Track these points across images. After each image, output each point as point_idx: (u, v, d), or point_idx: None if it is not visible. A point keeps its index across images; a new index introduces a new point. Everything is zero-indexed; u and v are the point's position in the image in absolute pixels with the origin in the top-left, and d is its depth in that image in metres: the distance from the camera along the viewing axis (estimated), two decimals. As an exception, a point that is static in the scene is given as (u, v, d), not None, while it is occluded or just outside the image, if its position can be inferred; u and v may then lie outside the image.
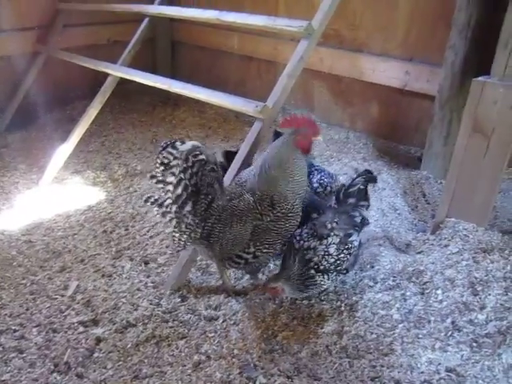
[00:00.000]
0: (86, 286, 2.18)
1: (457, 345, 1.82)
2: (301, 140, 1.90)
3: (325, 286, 1.97)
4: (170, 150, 1.75)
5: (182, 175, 1.73)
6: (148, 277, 2.23)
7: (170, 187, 1.76)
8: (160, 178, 1.79)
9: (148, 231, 2.60)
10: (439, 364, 1.74)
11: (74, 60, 3.57)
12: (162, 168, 1.77)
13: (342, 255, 1.94)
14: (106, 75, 3.16)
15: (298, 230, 1.97)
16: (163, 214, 1.79)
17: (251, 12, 4.21)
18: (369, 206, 2.15)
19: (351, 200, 2.08)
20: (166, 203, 1.78)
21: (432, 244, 2.45)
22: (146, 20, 3.26)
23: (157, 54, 5.16)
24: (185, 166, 1.73)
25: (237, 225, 1.88)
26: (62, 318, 2.00)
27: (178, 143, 1.76)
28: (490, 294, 2.06)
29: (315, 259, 1.89)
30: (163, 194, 1.80)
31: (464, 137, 2.38)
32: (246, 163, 2.11)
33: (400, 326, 1.91)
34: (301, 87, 4.11)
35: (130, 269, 2.29)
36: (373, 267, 2.28)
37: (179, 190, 1.74)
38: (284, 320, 1.98)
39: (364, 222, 2.07)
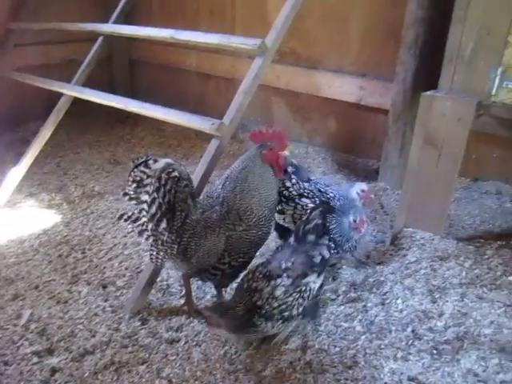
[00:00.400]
0: (40, 314, 2.08)
1: (418, 353, 1.84)
2: (267, 154, 1.91)
3: (268, 333, 1.81)
4: (142, 168, 1.75)
5: (155, 194, 1.73)
6: (106, 301, 2.16)
7: (145, 206, 1.76)
8: (133, 196, 1.79)
9: (106, 253, 2.52)
10: (401, 373, 1.75)
11: (26, 80, 3.47)
12: (134, 185, 1.77)
13: (291, 299, 1.75)
14: (60, 95, 3.08)
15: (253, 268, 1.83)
16: (140, 233, 1.79)
17: (208, 30, 4.29)
18: (330, 243, 1.97)
19: (310, 237, 1.86)
20: (141, 220, 1.77)
21: (391, 254, 2.50)
22: (101, 39, 3.22)
23: (114, 73, 5.11)
24: (158, 184, 1.73)
25: (211, 236, 1.88)
26: (14, 349, 1.90)
27: (150, 161, 1.76)
28: (447, 301, 2.11)
29: (259, 302, 1.73)
30: (137, 211, 1.79)
31: (416, 149, 2.46)
32: (205, 181, 2.09)
33: (362, 337, 1.92)
34: (260, 104, 4.15)
35: (87, 293, 2.21)
36: (334, 280, 2.30)
37: (153, 209, 1.74)
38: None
39: (325, 263, 1.87)
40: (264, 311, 1.73)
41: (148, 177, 1.74)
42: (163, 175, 1.74)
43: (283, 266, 1.78)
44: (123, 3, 3.25)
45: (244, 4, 4.09)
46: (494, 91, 2.26)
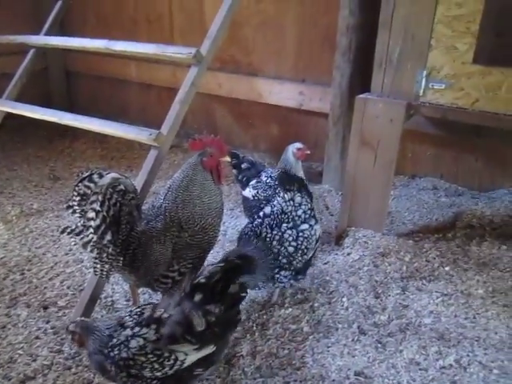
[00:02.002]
0: (-25, 342, 1.96)
1: (363, 348, 1.90)
2: (207, 161, 1.91)
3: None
4: (87, 183, 1.73)
5: (99, 208, 1.69)
6: (48, 322, 2.07)
7: (89, 219, 1.72)
8: (77, 209, 1.77)
9: (46, 273, 2.42)
10: (348, 369, 1.80)
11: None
12: (78, 198, 1.75)
13: (143, 359, 1.46)
14: (-9, 110, 2.94)
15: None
16: (84, 245, 1.73)
17: (147, 40, 4.25)
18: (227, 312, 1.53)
19: (197, 297, 1.49)
20: (86, 233, 1.73)
21: (336, 254, 2.56)
22: (32, 51, 3.11)
23: (51, 86, 4.94)
24: (102, 199, 1.70)
25: (157, 246, 1.86)
26: None
27: (95, 176, 1.74)
28: (389, 295, 2.19)
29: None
30: (80, 224, 1.76)
31: (354, 150, 2.55)
32: (146, 191, 2.06)
33: (310, 337, 1.96)
34: (203, 112, 4.16)
35: (26, 316, 2.10)
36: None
37: (98, 222, 1.70)
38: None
39: (204, 338, 1.47)
40: (112, 355, 1.48)
41: (93, 192, 1.71)
42: (108, 190, 1.71)
43: (158, 315, 1.51)
44: (55, 14, 3.16)
45: (182, 13, 4.08)
46: (421, 92, 2.38)
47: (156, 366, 1.47)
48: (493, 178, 3.24)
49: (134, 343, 1.47)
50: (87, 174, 1.75)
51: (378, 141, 2.47)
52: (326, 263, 2.50)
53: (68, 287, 2.32)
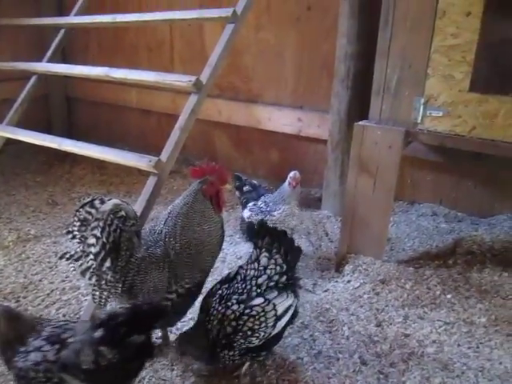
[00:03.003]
0: (-33, 373, 1.91)
1: (365, 379, 1.85)
2: (208, 189, 1.90)
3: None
4: (88, 209, 1.74)
5: (99, 234, 1.70)
6: (42, 352, 2.02)
7: (89, 246, 1.72)
8: (77, 234, 1.77)
9: (42, 301, 2.38)
10: (350, 402, 1.75)
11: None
12: (78, 224, 1.76)
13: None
14: (-9, 136, 2.96)
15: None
16: (82, 273, 1.74)
17: (148, 67, 4.32)
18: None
19: (98, 333, 1.40)
20: (85, 260, 1.73)
21: (336, 281, 2.54)
22: (34, 77, 3.14)
23: (51, 112, 4.98)
24: (103, 225, 1.70)
25: (155, 272, 1.84)
26: None
27: (97, 202, 1.75)
28: (391, 324, 2.16)
29: None
30: (79, 250, 1.76)
31: (353, 176, 2.55)
32: (145, 218, 2.05)
33: (311, 368, 1.91)
34: (202, 138, 4.18)
35: (21, 346, 2.06)
36: (282, 311, 2.29)
37: (97, 248, 1.70)
38: (194, 379, 1.89)
39: (92, 378, 1.39)
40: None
41: (94, 218, 1.71)
42: (109, 216, 1.71)
43: (65, 336, 1.42)
44: (58, 41, 3.21)
45: (182, 41, 4.15)
46: (419, 120, 2.40)
47: None
48: (492, 203, 3.24)
49: (32, 356, 1.39)
50: (89, 199, 1.76)
51: (377, 167, 2.48)
52: (325, 291, 2.47)
53: (64, 315, 2.28)
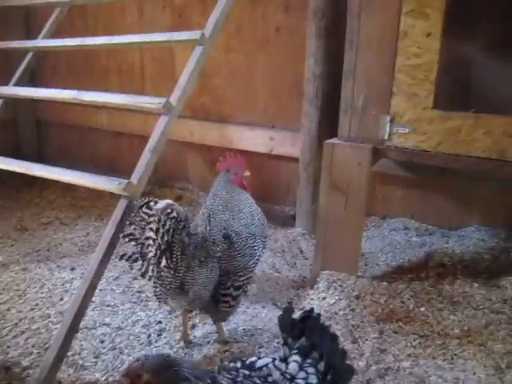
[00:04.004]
0: None
1: (342, 397, 1.84)
2: (235, 178, 2.15)
3: None
4: (145, 209, 1.87)
5: (154, 235, 1.83)
6: (9, 386, 1.95)
7: (150, 243, 1.85)
8: (134, 237, 1.90)
9: (10, 331, 2.29)
10: (328, 421, 1.73)
11: None
12: (132, 227, 1.90)
13: None
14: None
15: None
16: (143, 275, 1.88)
17: (118, 89, 4.30)
18: None
19: None
20: (144, 258, 1.87)
21: (312, 298, 2.54)
22: (1, 102, 3.08)
23: (20, 135, 4.89)
24: (157, 226, 1.82)
25: (204, 269, 1.98)
26: None
27: (151, 203, 1.88)
28: (367, 340, 2.16)
29: None
30: (137, 251, 1.89)
31: (325, 194, 2.58)
32: (115, 242, 2.02)
33: (288, 388, 1.89)
34: (175, 159, 4.18)
35: (-14, 380, 1.98)
36: (258, 330, 2.27)
37: (153, 250, 1.84)
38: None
39: None
40: None
41: (150, 216, 1.85)
42: (162, 216, 1.83)
43: None
44: (25, 64, 3.16)
45: (153, 63, 4.17)
46: (386, 137, 2.46)
47: None
48: (461, 215, 3.32)
49: None
50: (145, 201, 1.90)
51: (348, 184, 2.52)
52: (301, 309, 2.46)
53: (33, 345, 2.20)
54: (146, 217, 1.86)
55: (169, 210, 1.85)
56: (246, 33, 3.65)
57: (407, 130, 2.41)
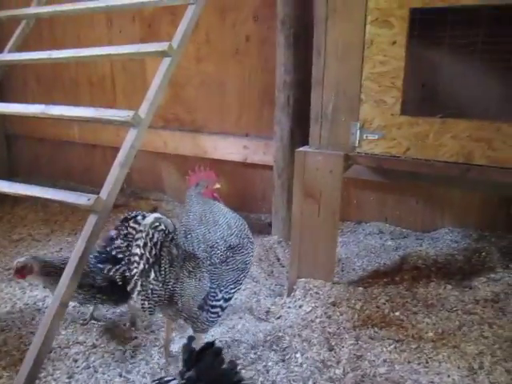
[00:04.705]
0: None
1: (320, 406, 1.84)
2: (206, 192, 2.10)
3: None
4: (132, 224, 1.89)
5: (143, 249, 1.83)
6: (-22, 412, 1.88)
7: (136, 259, 1.84)
8: (121, 250, 1.94)
9: (-22, 355, 2.23)
10: (306, 431, 1.73)
11: None
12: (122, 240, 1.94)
13: None
14: None
15: None
16: (131, 290, 1.87)
17: (90, 102, 4.25)
18: None
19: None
20: (131, 273, 1.87)
21: (289, 307, 2.53)
22: (-34, 118, 3.01)
23: (-11, 150, 4.78)
24: (145, 240, 1.82)
25: (193, 280, 1.97)
26: None
27: (139, 217, 1.89)
28: (343, 347, 2.17)
29: None
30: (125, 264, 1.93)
31: (298, 202, 2.59)
32: (85, 258, 1.98)
33: (265, 400, 1.88)
34: (149, 170, 4.15)
35: (-46, 407, 1.91)
36: (235, 342, 2.26)
37: (142, 263, 1.83)
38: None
39: None
40: None
41: (138, 230, 1.86)
42: (151, 230, 1.83)
43: None
44: (-10, 80, 3.11)
45: (124, 74, 4.13)
46: (357, 143, 2.48)
47: None
48: (433, 218, 3.38)
49: None
50: (132, 215, 1.93)
51: (320, 192, 2.53)
52: (278, 318, 2.46)
53: (4, 368, 2.13)
54: (134, 232, 1.86)
55: (157, 224, 1.86)
56: (217, 42, 3.65)
57: (376, 137, 2.44)
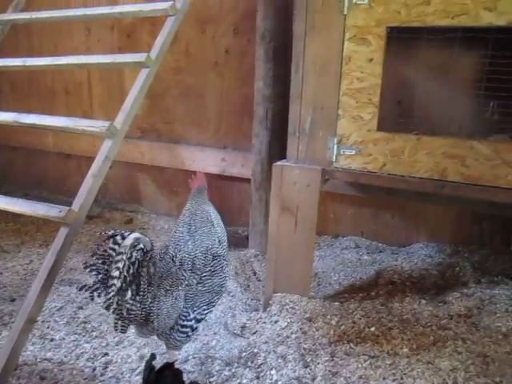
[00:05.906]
0: None
1: (294, 425, 1.81)
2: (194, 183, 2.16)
3: None
4: (111, 245, 1.80)
5: (121, 268, 1.77)
6: None
7: (112, 279, 1.78)
8: (98, 268, 1.83)
9: None
10: None
11: None
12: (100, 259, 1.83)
13: None
14: None
15: None
16: (107, 308, 1.80)
17: (65, 111, 4.19)
18: None
19: None
20: (107, 292, 1.80)
21: (264, 322, 2.50)
22: None
23: (-41, 159, 4.64)
24: (124, 258, 1.77)
25: (169, 298, 1.92)
26: None
27: (118, 238, 1.81)
28: (318, 363, 2.15)
29: None
30: (97, 280, 1.82)
31: (275, 216, 2.58)
32: (56, 271, 1.92)
33: (239, 419, 1.84)
34: (125, 181, 4.09)
35: None
36: (209, 358, 2.21)
37: (119, 282, 1.78)
38: None
39: None
40: None
41: (117, 252, 1.78)
42: (129, 250, 1.78)
43: None
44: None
45: (101, 83, 4.08)
46: (334, 158, 2.50)
47: None
48: (408, 233, 3.42)
49: None
50: (110, 234, 1.84)
51: (297, 206, 2.53)
52: (254, 333, 2.43)
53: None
54: (113, 253, 1.79)
55: (135, 243, 1.81)
56: (196, 54, 3.65)
57: (353, 152, 2.46)
